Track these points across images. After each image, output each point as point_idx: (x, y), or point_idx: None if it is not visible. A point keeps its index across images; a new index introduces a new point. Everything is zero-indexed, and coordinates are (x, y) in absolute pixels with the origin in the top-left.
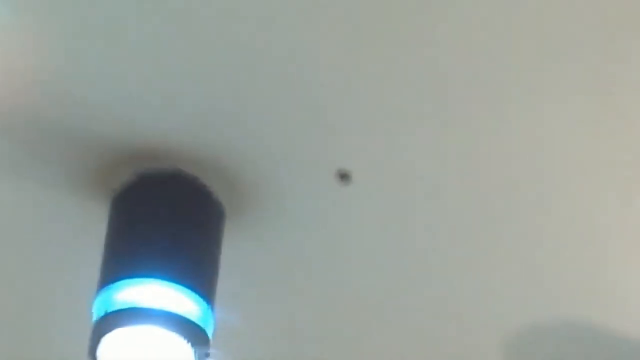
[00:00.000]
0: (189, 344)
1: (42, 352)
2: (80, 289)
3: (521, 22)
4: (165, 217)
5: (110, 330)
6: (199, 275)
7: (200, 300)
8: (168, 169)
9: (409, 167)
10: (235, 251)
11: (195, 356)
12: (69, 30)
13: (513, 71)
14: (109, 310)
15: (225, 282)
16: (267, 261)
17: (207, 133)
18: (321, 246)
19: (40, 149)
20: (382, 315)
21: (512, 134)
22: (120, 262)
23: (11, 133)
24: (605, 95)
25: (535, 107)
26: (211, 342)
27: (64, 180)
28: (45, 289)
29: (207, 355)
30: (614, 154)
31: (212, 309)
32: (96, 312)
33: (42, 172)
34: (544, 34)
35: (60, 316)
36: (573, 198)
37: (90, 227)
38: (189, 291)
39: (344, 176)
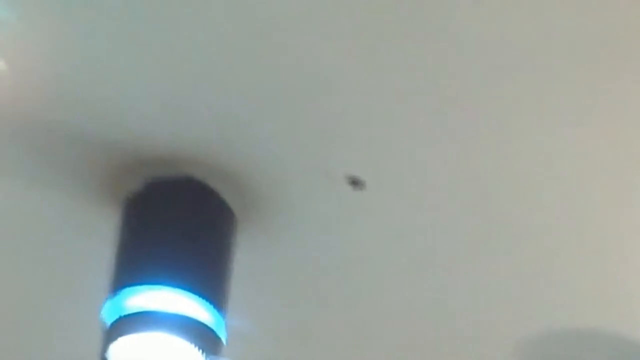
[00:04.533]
0: (200, 350)
1: (51, 355)
2: (90, 294)
3: (528, 35)
4: (177, 223)
5: (120, 336)
6: (211, 283)
7: (212, 307)
8: (179, 175)
9: (421, 174)
10: (247, 257)
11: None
12: (79, 35)
13: (523, 83)
14: (119, 316)
15: (237, 287)
16: (278, 267)
17: (219, 140)
18: (332, 252)
19: (53, 155)
20: (393, 321)
21: (521, 143)
22: (131, 269)
23: (23, 139)
24: (607, 96)
25: (543, 116)
26: (223, 348)
27: (76, 186)
28: (56, 293)
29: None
30: (623, 163)
31: (224, 316)
32: (107, 317)
33: (54, 178)
34: (551, 48)
35: (70, 320)
36: (586, 206)
37: (101, 232)
38: (200, 299)
39: (355, 183)
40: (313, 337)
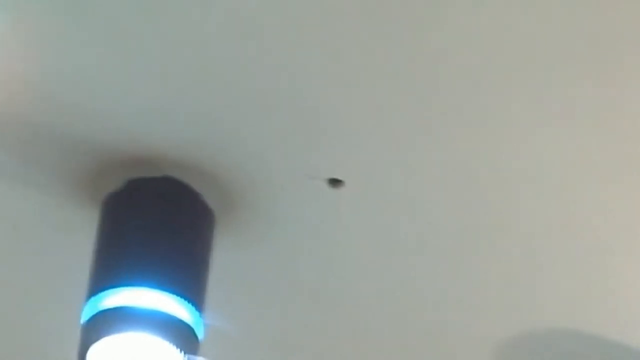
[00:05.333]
0: (179, 350)
1: (29, 355)
2: (69, 294)
3: (519, 36)
4: (155, 223)
5: (99, 338)
6: (189, 282)
7: (190, 306)
8: (159, 175)
9: (401, 175)
10: (225, 257)
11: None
12: (64, 36)
13: (512, 83)
14: (98, 317)
15: (215, 287)
16: (257, 267)
17: (198, 140)
18: (311, 252)
19: (31, 154)
20: (372, 321)
21: (509, 143)
22: (109, 269)
23: (2, 139)
24: (604, 97)
25: (532, 117)
26: (200, 347)
27: (54, 185)
28: (35, 291)
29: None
30: (610, 163)
31: (202, 315)
32: (85, 318)
33: (32, 177)
34: (542, 49)
35: (49, 320)
36: (570, 206)
37: (81, 232)
38: (179, 298)
39: (334, 182)
40: (292, 337)
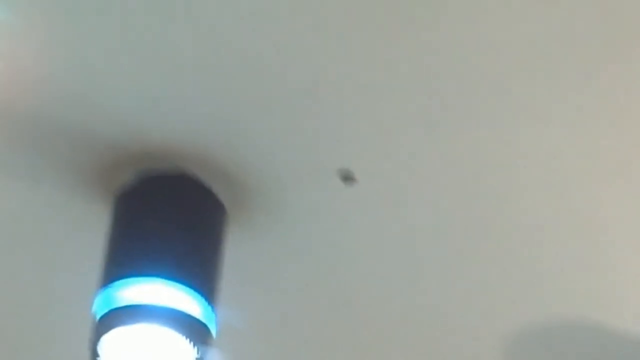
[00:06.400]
0: (191, 342)
1: (42, 350)
2: (81, 288)
3: (524, 30)
4: (168, 217)
5: (111, 329)
6: (201, 275)
7: (202, 299)
8: (171, 169)
9: (412, 169)
10: (237, 251)
11: (197, 355)
12: (73, 30)
13: (518, 79)
14: (110, 309)
15: (227, 282)
16: (269, 261)
17: (210, 134)
18: (323, 247)
19: (44, 149)
20: (381, 315)
21: (515, 138)
22: (121, 261)
23: (14, 132)
24: (605, 93)
25: (537, 112)
26: (213, 340)
27: (66, 180)
28: (46, 287)
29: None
30: (611, 153)
31: (214, 308)
32: (97, 310)
33: (45, 172)
34: (546, 44)
35: (61, 315)
36: (575, 199)
37: (92, 226)
38: (191, 290)
39: (346, 177)
40: (304, 331)
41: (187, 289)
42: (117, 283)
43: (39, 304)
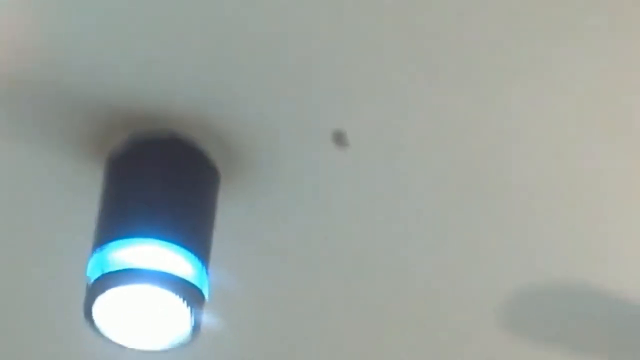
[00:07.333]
0: (185, 302)
1: (35, 314)
2: (75, 250)
3: None
4: (161, 179)
5: (105, 290)
6: (194, 236)
7: (195, 259)
8: (163, 132)
9: (405, 130)
10: (229, 213)
11: (191, 315)
12: None
13: (512, 35)
14: (104, 271)
15: (219, 245)
16: (261, 222)
17: (202, 96)
18: (316, 209)
19: (35, 112)
20: (376, 277)
21: (507, 96)
22: (114, 223)
23: (6, 94)
24: (600, 55)
25: (532, 68)
26: (206, 301)
27: (59, 143)
28: (39, 250)
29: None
30: (608, 118)
31: (207, 269)
32: (91, 272)
33: (36, 135)
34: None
35: (55, 277)
36: (567, 158)
37: (85, 189)
38: (184, 250)
39: (339, 139)
40: (296, 291)
41: (180, 249)
42: (109, 245)
43: (30, 266)
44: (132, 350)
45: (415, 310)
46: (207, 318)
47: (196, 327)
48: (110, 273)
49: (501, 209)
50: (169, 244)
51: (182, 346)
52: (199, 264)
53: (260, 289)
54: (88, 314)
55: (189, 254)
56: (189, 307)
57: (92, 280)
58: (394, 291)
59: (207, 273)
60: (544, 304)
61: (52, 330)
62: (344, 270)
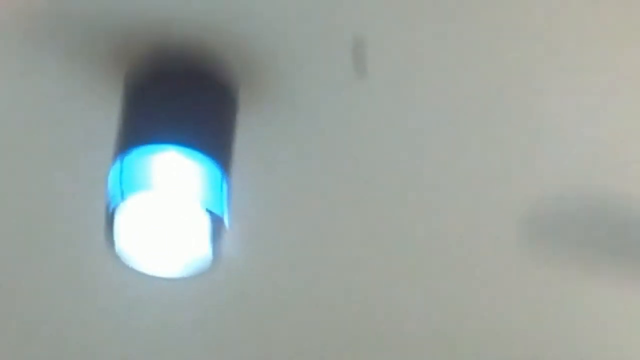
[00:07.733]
0: (205, 210)
1: (55, 237)
2: (93, 176)
3: None
4: (179, 100)
5: (126, 198)
6: (215, 144)
7: (215, 169)
8: (182, 59)
9: (425, 58)
10: (247, 142)
11: (210, 224)
12: None
13: None
14: (124, 179)
15: (236, 172)
16: (278, 148)
17: (220, 11)
18: (334, 136)
19: (50, 31)
20: (396, 204)
21: (522, 18)
22: (134, 132)
23: (20, 14)
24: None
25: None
26: (227, 216)
27: (76, 61)
28: (58, 171)
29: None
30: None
31: (228, 180)
32: (112, 182)
33: (53, 54)
34: None
35: (73, 201)
36: (580, 68)
37: (103, 108)
38: (205, 158)
39: (359, 59)
40: (312, 221)
41: (203, 157)
42: (131, 153)
43: (51, 192)
44: (152, 277)
45: (435, 227)
46: (226, 242)
47: (216, 247)
48: (130, 179)
49: (514, 123)
50: (190, 151)
51: (202, 269)
52: (220, 173)
53: (276, 212)
54: (109, 224)
55: (209, 161)
56: (208, 215)
57: (112, 189)
58: (412, 212)
59: (228, 183)
60: (566, 214)
61: (73, 252)
62: (362, 198)
